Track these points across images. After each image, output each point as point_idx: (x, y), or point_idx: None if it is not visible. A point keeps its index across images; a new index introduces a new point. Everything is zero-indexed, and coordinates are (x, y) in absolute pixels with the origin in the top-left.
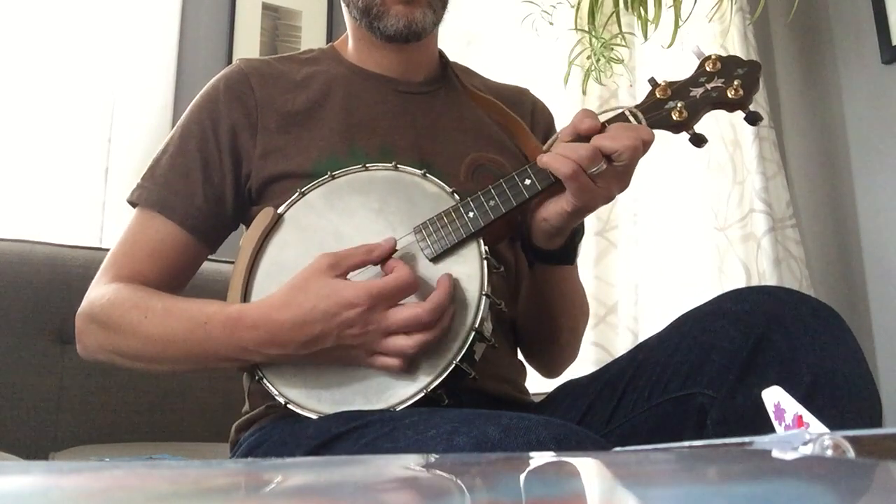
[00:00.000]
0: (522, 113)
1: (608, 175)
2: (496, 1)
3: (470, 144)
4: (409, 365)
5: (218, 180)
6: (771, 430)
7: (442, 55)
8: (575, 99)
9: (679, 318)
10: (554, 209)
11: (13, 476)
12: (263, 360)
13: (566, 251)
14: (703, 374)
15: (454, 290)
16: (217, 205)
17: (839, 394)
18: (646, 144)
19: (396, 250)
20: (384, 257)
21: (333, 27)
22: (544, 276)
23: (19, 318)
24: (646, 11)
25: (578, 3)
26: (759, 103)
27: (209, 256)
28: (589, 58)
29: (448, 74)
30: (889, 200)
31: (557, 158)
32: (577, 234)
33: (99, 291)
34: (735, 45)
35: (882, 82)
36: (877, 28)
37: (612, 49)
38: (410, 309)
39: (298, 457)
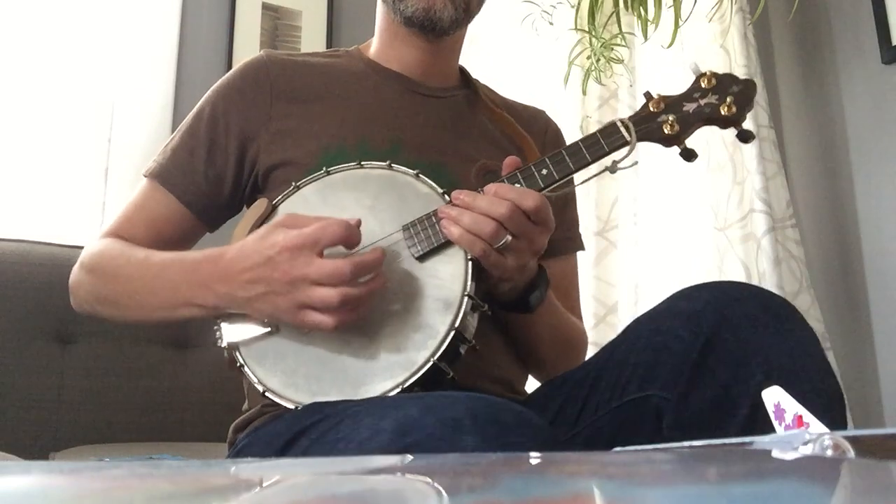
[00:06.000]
0: (536, 132)
1: (515, 245)
2: (496, 1)
3: (481, 150)
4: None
5: (221, 162)
6: (725, 432)
7: (464, 71)
8: (575, 99)
9: (637, 317)
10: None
11: (13, 476)
12: (214, 302)
13: (519, 303)
14: (657, 376)
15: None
16: (216, 185)
17: (794, 389)
18: (529, 211)
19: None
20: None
21: (333, 27)
22: (507, 318)
23: (19, 318)
24: (646, 11)
25: (578, 3)
26: (759, 103)
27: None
28: (589, 58)
29: (469, 86)
30: (889, 200)
31: (466, 236)
32: (538, 286)
33: (91, 244)
34: (735, 45)
35: (882, 82)
36: (877, 28)
37: (612, 49)
38: (334, 260)
39: (272, 454)
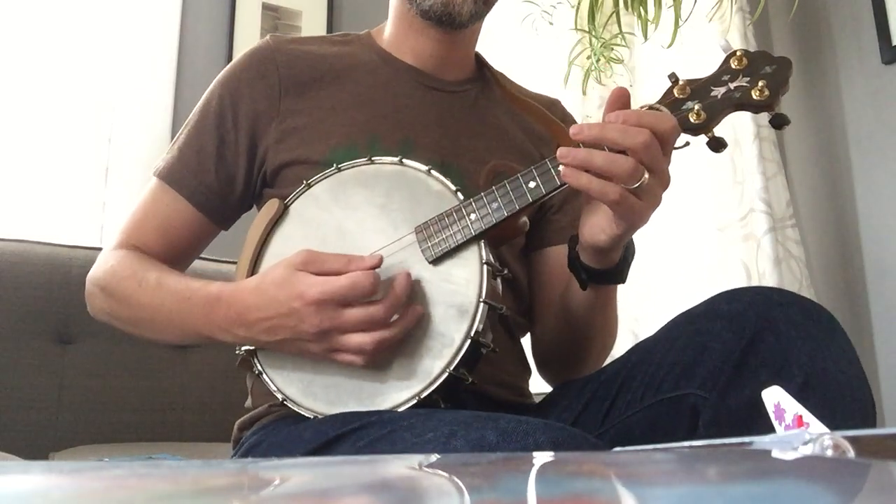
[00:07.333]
0: None
1: (650, 185)
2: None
3: (493, 151)
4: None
5: (231, 159)
6: (761, 431)
7: (479, 58)
8: (575, 99)
9: (673, 318)
10: (603, 230)
11: (13, 476)
12: (235, 341)
13: (618, 269)
14: (696, 375)
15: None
16: (228, 184)
17: (831, 395)
18: (667, 136)
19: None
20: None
21: (333, 28)
22: (595, 298)
23: (19, 318)
24: (646, 11)
25: (578, 3)
26: None
27: (209, 257)
28: (589, 58)
29: (484, 77)
30: (889, 200)
31: (595, 182)
32: (629, 250)
33: (105, 257)
34: (735, 46)
35: (882, 82)
36: (877, 28)
37: (612, 49)
38: (365, 308)
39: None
